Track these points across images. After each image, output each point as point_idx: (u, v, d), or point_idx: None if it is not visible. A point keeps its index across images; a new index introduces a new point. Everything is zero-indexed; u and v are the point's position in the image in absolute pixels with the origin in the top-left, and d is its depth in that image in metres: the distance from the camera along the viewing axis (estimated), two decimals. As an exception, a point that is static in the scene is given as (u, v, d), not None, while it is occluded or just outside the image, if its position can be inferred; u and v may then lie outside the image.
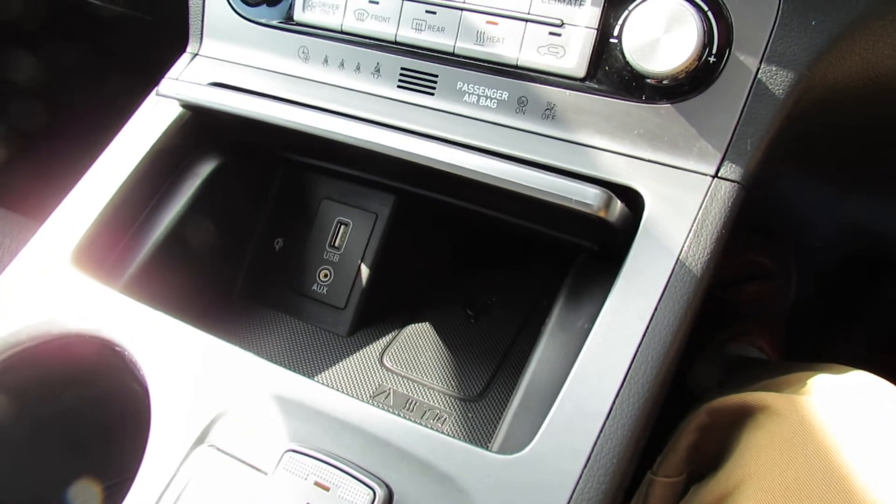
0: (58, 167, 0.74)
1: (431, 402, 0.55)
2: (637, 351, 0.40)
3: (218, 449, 0.41)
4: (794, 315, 1.06)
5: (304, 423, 0.41)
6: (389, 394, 0.55)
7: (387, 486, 0.38)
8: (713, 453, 0.47)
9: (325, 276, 0.63)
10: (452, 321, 0.62)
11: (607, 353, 0.40)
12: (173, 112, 0.58)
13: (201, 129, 0.59)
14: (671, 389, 0.50)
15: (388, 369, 0.57)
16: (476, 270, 0.67)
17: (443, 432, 0.40)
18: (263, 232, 0.65)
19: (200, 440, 0.41)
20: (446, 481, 0.37)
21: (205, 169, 0.60)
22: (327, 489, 0.38)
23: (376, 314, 0.62)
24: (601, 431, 0.38)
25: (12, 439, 0.50)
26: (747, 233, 1.07)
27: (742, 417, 0.47)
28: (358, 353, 0.59)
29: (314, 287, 0.63)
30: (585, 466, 0.37)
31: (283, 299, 0.63)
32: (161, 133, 0.57)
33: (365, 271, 0.62)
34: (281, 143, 0.61)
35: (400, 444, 0.39)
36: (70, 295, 0.50)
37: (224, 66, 0.61)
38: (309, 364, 0.58)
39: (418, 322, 0.62)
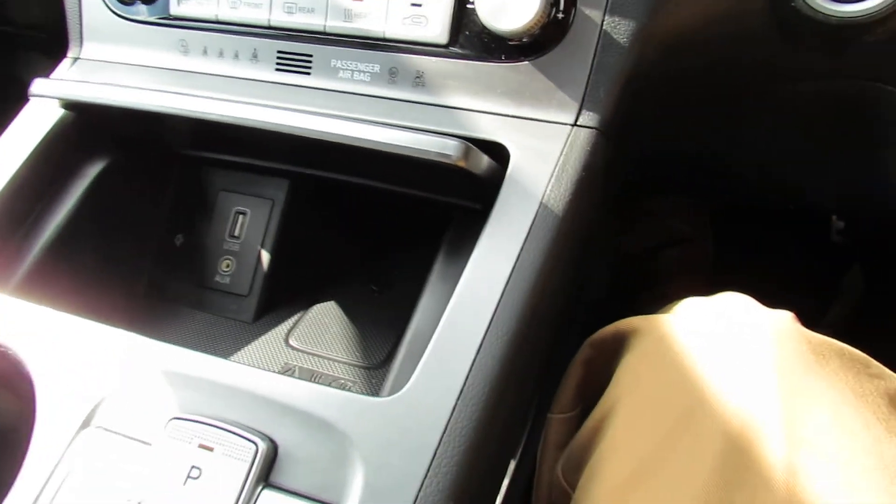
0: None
1: (337, 374, 0.56)
2: (504, 290, 0.42)
3: (104, 429, 0.41)
4: (717, 277, 1.10)
5: (189, 392, 0.41)
6: (294, 370, 0.56)
7: (270, 439, 0.39)
8: (601, 385, 0.50)
9: (227, 266, 0.63)
10: (357, 297, 0.64)
11: (477, 293, 0.42)
12: (54, 115, 0.58)
13: (85, 129, 0.59)
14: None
15: (293, 348, 0.58)
16: (376, 246, 0.69)
17: None
18: (163, 229, 0.65)
19: (86, 423, 0.41)
20: (328, 428, 0.39)
21: (93, 170, 0.60)
22: (211, 449, 0.38)
23: (280, 298, 0.63)
24: (471, 368, 0.40)
25: None
26: (664, 199, 1.11)
27: (620, 345, 0.49)
28: (263, 337, 0.60)
29: (217, 278, 0.63)
30: (457, 401, 0.39)
31: (187, 293, 0.63)
32: (42, 136, 0.57)
33: (266, 257, 0.62)
34: (169, 136, 0.62)
35: (282, 401, 0.40)
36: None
37: (106, 67, 0.61)
38: (214, 351, 0.58)
39: (323, 301, 0.63)
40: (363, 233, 0.69)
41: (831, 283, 1.10)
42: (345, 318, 0.61)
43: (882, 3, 0.47)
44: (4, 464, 0.42)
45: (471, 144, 0.45)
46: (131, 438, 0.40)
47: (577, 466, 0.48)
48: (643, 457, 0.42)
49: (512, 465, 0.66)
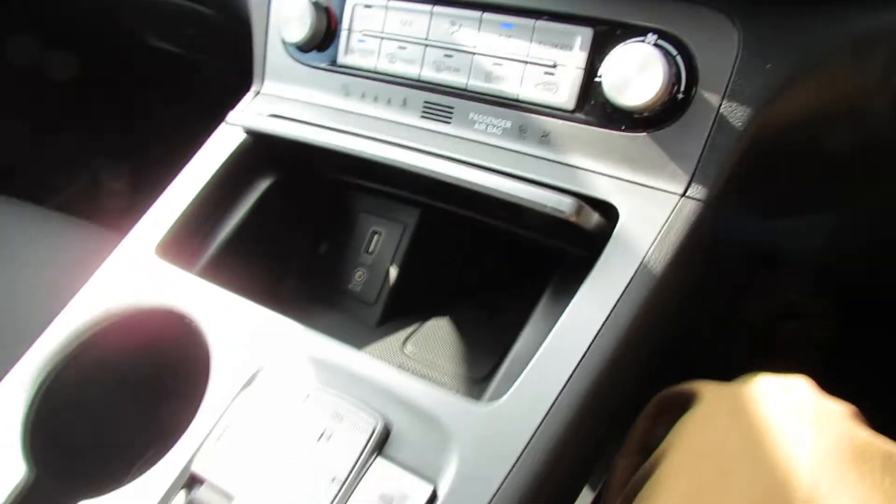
0: (142, 187, 0.87)
1: (444, 380, 0.64)
2: (596, 335, 0.49)
3: (258, 391, 0.52)
4: (839, 358, 1.06)
5: (328, 373, 0.52)
6: (409, 371, 0.65)
7: (386, 420, 0.48)
8: (661, 438, 0.53)
9: (360, 276, 0.74)
10: (469, 318, 0.72)
11: (572, 334, 0.50)
12: (238, 138, 0.71)
13: (260, 152, 0.72)
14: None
15: (407, 355, 0.68)
16: (492, 277, 0.77)
17: None
18: (311, 239, 0.77)
19: (248, 384, 0.53)
20: (433, 420, 0.48)
21: (263, 185, 0.73)
22: (341, 419, 0.49)
23: (402, 309, 0.72)
24: (559, 395, 0.47)
25: (98, 396, 0.63)
26: (785, 271, 1.09)
27: (685, 402, 0.53)
28: (383, 341, 0.69)
29: (350, 286, 0.74)
30: (543, 419, 0.46)
31: (324, 295, 0.74)
32: (228, 155, 0.70)
33: (393, 272, 0.72)
34: (326, 163, 0.73)
35: (400, 392, 0.50)
36: (154, 279, 0.62)
37: (281, 102, 0.74)
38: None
39: (439, 318, 0.72)
40: (481, 264, 0.77)
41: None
42: (456, 334, 0.70)
43: None
44: (186, 408, 0.54)
45: (584, 203, 0.53)
46: (279, 403, 0.51)
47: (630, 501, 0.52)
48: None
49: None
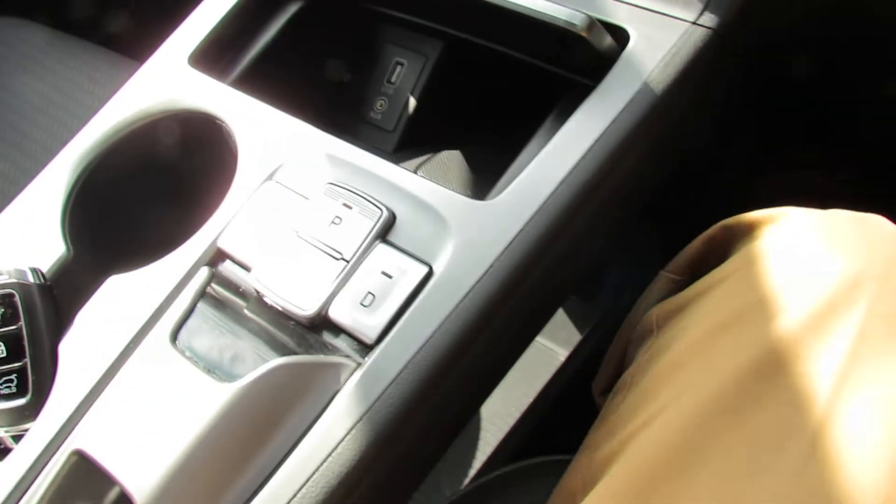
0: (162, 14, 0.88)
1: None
2: (594, 142, 0.52)
3: (278, 182, 0.57)
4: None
5: (342, 170, 0.56)
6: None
7: (392, 211, 0.53)
8: (716, 263, 0.52)
9: (381, 105, 0.77)
10: (480, 149, 0.75)
11: (572, 141, 0.53)
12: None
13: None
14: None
15: (421, 177, 0.71)
16: (507, 115, 0.79)
17: None
18: (337, 67, 0.79)
19: (269, 178, 0.57)
20: (434, 212, 0.52)
21: (292, 7, 0.75)
22: (350, 208, 0.53)
23: (418, 138, 0.76)
24: (552, 193, 0.51)
25: (133, 188, 0.68)
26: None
27: (750, 229, 0.51)
28: (400, 165, 0.73)
29: (371, 114, 0.77)
30: (535, 212, 0.50)
31: (346, 121, 0.78)
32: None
33: (412, 103, 0.75)
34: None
35: (406, 188, 0.54)
36: (188, 85, 0.66)
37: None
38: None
39: (451, 149, 0.75)
40: (496, 100, 0.79)
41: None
42: (466, 163, 0.74)
43: None
44: (214, 202, 0.59)
45: (596, 20, 0.54)
46: (297, 193, 0.56)
47: (669, 316, 0.53)
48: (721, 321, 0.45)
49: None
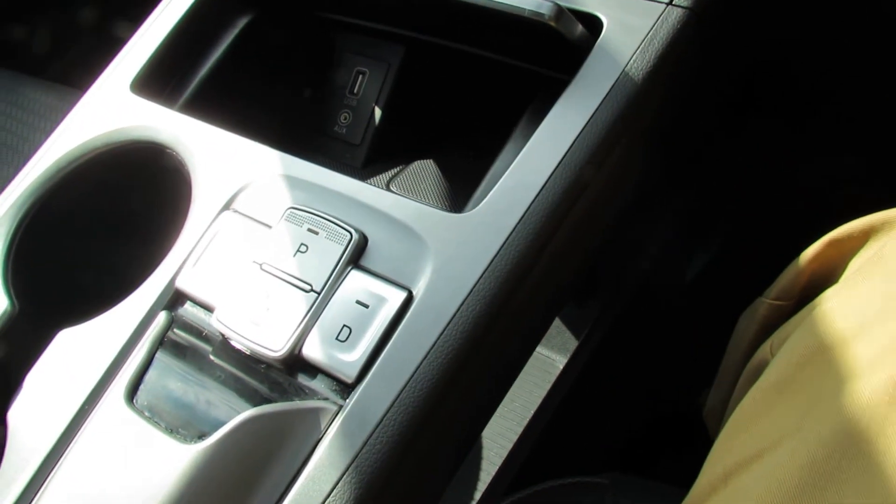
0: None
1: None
2: (574, 142, 0.48)
3: (236, 211, 0.52)
4: None
5: (304, 192, 0.51)
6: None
7: (363, 233, 0.48)
8: (828, 281, 0.47)
9: (345, 118, 0.72)
10: (454, 159, 0.71)
11: (550, 142, 0.48)
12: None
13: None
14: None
15: (393, 193, 0.67)
16: (480, 120, 0.75)
17: None
18: (294, 82, 0.75)
19: (226, 207, 0.52)
20: (408, 230, 0.47)
21: (240, 22, 0.70)
22: (317, 233, 0.48)
23: (387, 150, 0.71)
24: (533, 200, 0.46)
25: (80, 231, 0.63)
26: None
27: (861, 242, 0.46)
28: (369, 181, 0.68)
29: (335, 128, 0.72)
30: (518, 223, 0.46)
31: (310, 138, 0.73)
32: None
33: (378, 113, 0.71)
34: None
35: (377, 206, 0.49)
36: (131, 115, 0.61)
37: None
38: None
39: (423, 159, 0.71)
40: (465, 105, 0.75)
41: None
42: (439, 174, 0.69)
43: None
44: (169, 239, 0.54)
45: (564, 8, 0.50)
46: (257, 221, 0.51)
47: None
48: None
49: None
